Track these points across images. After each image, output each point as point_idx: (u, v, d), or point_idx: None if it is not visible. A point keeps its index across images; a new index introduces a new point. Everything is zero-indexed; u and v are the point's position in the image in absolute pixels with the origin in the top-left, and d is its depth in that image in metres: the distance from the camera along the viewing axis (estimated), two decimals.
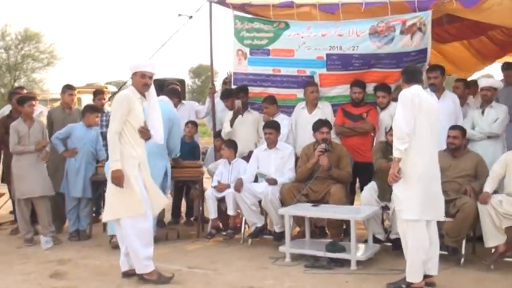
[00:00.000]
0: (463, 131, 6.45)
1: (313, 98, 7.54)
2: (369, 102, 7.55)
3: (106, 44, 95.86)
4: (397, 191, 5.27)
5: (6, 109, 8.70)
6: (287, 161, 7.22)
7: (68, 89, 8.16)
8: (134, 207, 5.50)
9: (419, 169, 5.14)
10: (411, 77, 5.44)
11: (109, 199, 5.65)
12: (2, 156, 8.33)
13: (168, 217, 8.60)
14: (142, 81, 5.62)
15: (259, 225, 7.14)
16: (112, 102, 6.71)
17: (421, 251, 5.17)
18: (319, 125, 6.88)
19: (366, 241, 6.62)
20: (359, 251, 6.26)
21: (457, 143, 6.35)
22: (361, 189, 7.17)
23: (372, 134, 7.58)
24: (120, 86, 7.30)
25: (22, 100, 7.42)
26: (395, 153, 5.16)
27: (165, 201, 6.14)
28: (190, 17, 8.28)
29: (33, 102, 7.46)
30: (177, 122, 7.13)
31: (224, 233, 7.41)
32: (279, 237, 6.88)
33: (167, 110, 6.79)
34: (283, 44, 7.78)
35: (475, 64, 10.82)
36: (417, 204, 5.14)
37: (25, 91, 9.00)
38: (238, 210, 7.30)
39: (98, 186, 7.54)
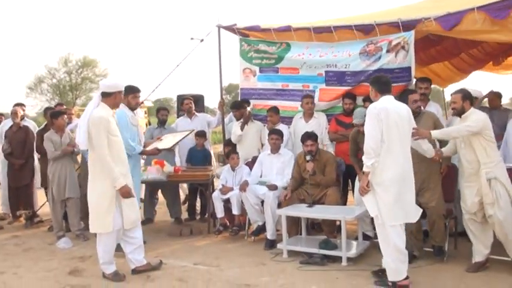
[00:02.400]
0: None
1: (308, 108, 6.94)
2: None
3: (137, 66, 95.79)
4: (371, 198, 4.56)
5: None
6: (287, 165, 6.61)
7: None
8: (104, 225, 4.94)
9: (392, 176, 4.45)
10: (384, 87, 4.69)
11: (91, 214, 5.06)
12: (40, 163, 7.84)
13: (185, 215, 8.00)
14: (121, 99, 5.25)
15: (260, 223, 6.48)
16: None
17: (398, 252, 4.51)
18: (305, 138, 6.25)
19: (357, 238, 5.92)
20: (350, 248, 5.58)
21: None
22: (353, 189, 6.56)
23: None
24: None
25: (55, 114, 7.07)
26: (364, 168, 4.49)
27: (137, 216, 5.18)
28: (202, 40, 7.69)
29: (65, 116, 7.12)
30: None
31: (230, 230, 6.77)
32: (270, 245, 6.16)
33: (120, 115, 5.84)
34: (288, 64, 7.28)
35: (452, 77, 9.96)
36: (392, 208, 4.46)
37: (64, 107, 8.52)
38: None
39: None
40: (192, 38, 7.85)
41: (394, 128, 4.45)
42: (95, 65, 42.49)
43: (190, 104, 8.17)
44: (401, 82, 6.52)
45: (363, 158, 4.49)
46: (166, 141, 6.31)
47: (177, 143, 6.63)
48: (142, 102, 7.76)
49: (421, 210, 4.83)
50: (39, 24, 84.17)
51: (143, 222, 6.52)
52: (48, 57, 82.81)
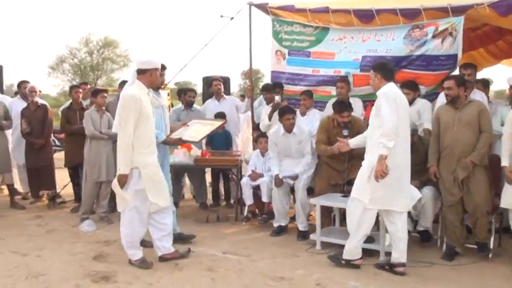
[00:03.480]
0: (458, 80, 5.18)
1: (342, 93, 6.49)
2: None
3: (161, 46, 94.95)
4: (365, 179, 4.65)
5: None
6: (305, 145, 6.14)
7: None
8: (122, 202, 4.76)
9: (391, 163, 4.48)
10: (390, 74, 4.76)
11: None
12: (65, 143, 7.66)
13: (211, 199, 7.78)
14: (161, 78, 4.94)
15: (283, 224, 6.16)
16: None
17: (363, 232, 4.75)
18: (341, 108, 5.73)
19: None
20: (387, 242, 5.28)
21: (452, 93, 5.11)
22: None
23: None
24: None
25: (95, 92, 6.90)
26: (383, 151, 4.44)
27: (164, 202, 4.87)
28: (232, 18, 7.37)
29: (105, 94, 6.87)
30: None
31: (260, 218, 6.51)
32: (302, 236, 5.90)
33: None
34: (325, 48, 6.90)
35: (482, 63, 9.43)
36: (382, 195, 4.57)
37: (88, 86, 8.29)
38: None
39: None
40: (221, 16, 7.44)
41: (403, 115, 4.55)
42: (116, 45, 42.31)
43: (220, 86, 7.90)
44: (445, 70, 6.19)
45: (382, 140, 4.43)
46: (193, 131, 5.73)
47: (205, 136, 6.02)
48: (167, 84, 7.49)
49: (413, 202, 4.97)
50: (60, 4, 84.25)
51: None
52: (70, 37, 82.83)
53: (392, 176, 4.50)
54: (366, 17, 6.57)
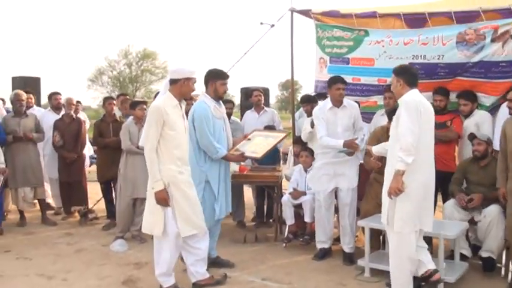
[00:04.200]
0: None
1: (388, 104, 5.96)
2: (452, 110, 5.98)
3: (199, 56, 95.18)
4: (392, 202, 4.11)
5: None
6: (357, 120, 5.56)
7: None
8: (152, 226, 4.36)
9: (419, 180, 4.05)
10: (413, 79, 4.28)
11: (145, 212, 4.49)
12: (98, 156, 7.38)
13: (248, 217, 7.36)
14: (192, 88, 4.45)
15: (326, 246, 5.63)
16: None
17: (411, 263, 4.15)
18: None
19: (449, 256, 5.06)
20: (447, 271, 4.68)
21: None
22: (443, 200, 5.70)
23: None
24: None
25: (134, 104, 6.56)
26: (400, 166, 3.98)
27: (198, 224, 4.42)
28: (272, 26, 6.94)
29: (144, 106, 6.49)
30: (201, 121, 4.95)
31: (301, 239, 6.03)
32: (350, 259, 5.40)
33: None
34: (363, 53, 6.34)
35: None
36: (412, 216, 4.08)
37: (127, 97, 8.01)
38: None
39: None
40: (261, 23, 7.03)
41: (427, 125, 4.11)
42: (154, 57, 42.87)
43: (260, 97, 7.47)
44: (508, 78, 5.60)
45: (400, 154, 3.96)
46: (254, 145, 5.35)
47: (268, 152, 5.47)
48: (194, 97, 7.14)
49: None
50: (100, 17, 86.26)
51: None
52: (109, 50, 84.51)
53: (420, 193, 4.08)
54: (417, 21, 6.04)
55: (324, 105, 5.54)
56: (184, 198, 4.33)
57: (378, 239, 5.45)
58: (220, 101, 5.16)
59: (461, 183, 5.41)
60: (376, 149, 4.81)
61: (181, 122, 4.39)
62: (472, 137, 5.26)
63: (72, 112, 7.32)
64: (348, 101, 5.57)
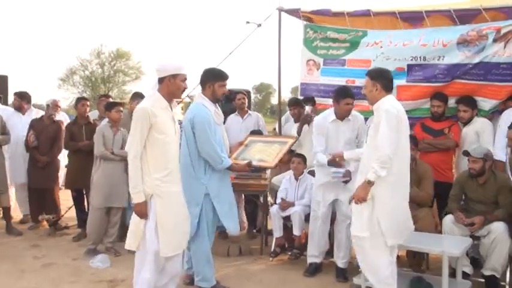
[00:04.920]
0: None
1: None
2: (450, 116, 5.69)
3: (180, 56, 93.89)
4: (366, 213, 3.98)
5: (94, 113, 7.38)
6: (362, 133, 4.99)
7: None
8: (131, 241, 3.90)
9: (400, 191, 4.01)
10: (390, 84, 4.12)
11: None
12: (69, 161, 6.87)
13: None
14: (183, 85, 3.96)
15: (318, 261, 5.24)
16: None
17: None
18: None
19: (450, 274, 4.71)
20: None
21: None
22: (440, 212, 5.37)
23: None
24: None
25: (110, 106, 6.04)
26: (371, 176, 3.86)
27: (178, 244, 3.96)
28: (259, 25, 6.60)
29: (121, 108, 6.02)
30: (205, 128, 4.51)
31: (289, 253, 5.64)
32: (343, 275, 5.02)
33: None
34: (360, 54, 6.07)
35: None
36: (396, 229, 4.00)
37: (111, 99, 7.51)
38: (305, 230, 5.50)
39: None
40: (248, 22, 6.68)
41: (404, 133, 4.00)
42: (128, 57, 42.17)
43: (244, 100, 7.05)
44: (509, 81, 5.33)
45: (375, 166, 3.84)
46: (258, 152, 5.02)
47: (281, 158, 5.15)
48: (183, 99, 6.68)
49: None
50: (72, 14, 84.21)
51: None
52: (81, 49, 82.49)
53: (392, 204, 3.97)
54: (413, 19, 5.80)
55: (325, 117, 5.12)
56: (169, 212, 3.85)
57: None
58: (217, 104, 4.70)
59: (460, 200, 5.07)
60: (348, 155, 4.63)
61: (171, 125, 3.92)
62: (467, 153, 4.89)
63: (55, 115, 6.89)
64: (354, 114, 5.13)
